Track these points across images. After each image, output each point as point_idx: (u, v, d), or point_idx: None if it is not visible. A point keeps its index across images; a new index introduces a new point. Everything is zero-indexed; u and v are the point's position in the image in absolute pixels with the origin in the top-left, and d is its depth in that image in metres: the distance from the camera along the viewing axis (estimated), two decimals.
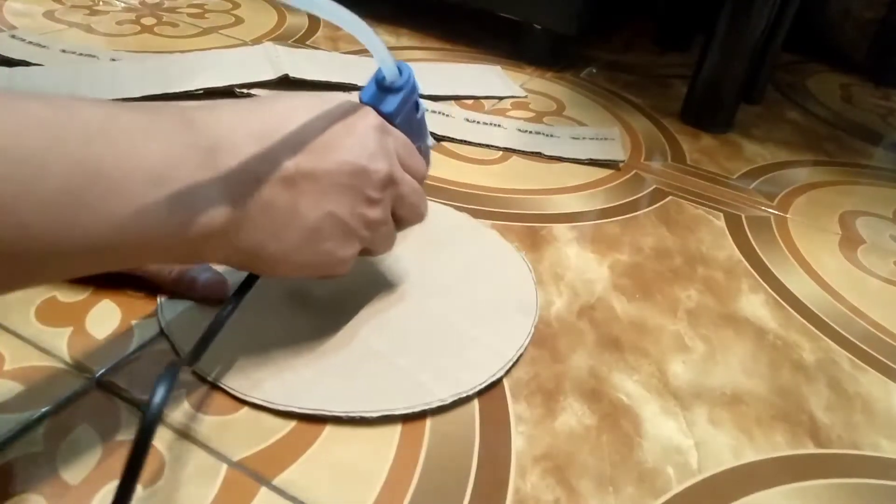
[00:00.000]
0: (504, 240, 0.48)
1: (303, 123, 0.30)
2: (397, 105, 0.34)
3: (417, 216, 0.37)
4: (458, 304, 0.41)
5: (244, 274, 0.33)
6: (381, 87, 0.34)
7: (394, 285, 0.41)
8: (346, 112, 0.32)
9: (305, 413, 0.32)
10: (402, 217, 0.35)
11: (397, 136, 0.34)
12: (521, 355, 0.38)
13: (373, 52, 0.31)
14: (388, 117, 0.34)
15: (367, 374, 0.35)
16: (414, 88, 0.35)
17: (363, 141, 0.31)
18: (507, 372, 0.37)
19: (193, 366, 0.32)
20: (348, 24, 0.28)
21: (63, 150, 0.22)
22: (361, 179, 0.31)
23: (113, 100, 0.25)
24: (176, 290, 0.38)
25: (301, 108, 0.31)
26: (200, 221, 0.26)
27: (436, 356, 0.37)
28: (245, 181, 0.28)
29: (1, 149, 0.20)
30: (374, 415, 0.33)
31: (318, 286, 0.40)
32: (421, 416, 0.34)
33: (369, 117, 0.33)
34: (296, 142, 0.29)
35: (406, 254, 0.44)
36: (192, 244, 0.26)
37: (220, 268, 0.39)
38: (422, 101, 0.37)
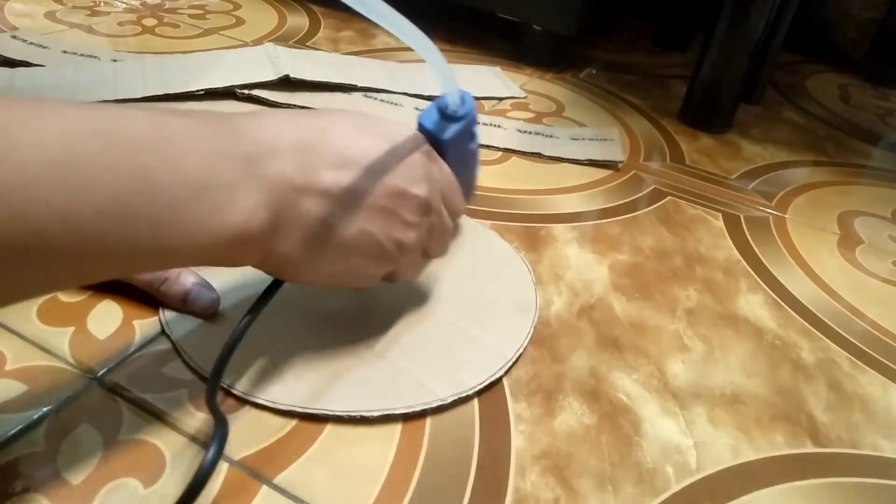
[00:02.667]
0: (503, 240, 0.48)
1: (347, 139, 0.30)
2: (454, 134, 0.33)
3: (441, 251, 0.37)
4: (458, 304, 0.41)
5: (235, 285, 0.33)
6: (443, 115, 0.33)
7: (394, 286, 0.41)
8: (395, 134, 0.32)
9: (306, 413, 0.32)
10: (429, 249, 0.35)
11: (444, 170, 0.34)
12: (520, 355, 0.38)
13: (440, 78, 0.31)
14: (444, 146, 0.33)
15: (368, 374, 0.35)
16: (474, 119, 0.34)
17: (407, 165, 0.31)
18: (507, 372, 0.37)
19: (219, 383, 0.32)
20: (420, 46, 0.28)
21: (113, 157, 0.23)
22: (400, 202, 0.31)
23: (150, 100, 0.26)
24: (160, 296, 0.37)
25: (347, 124, 0.31)
26: (238, 228, 0.26)
27: (435, 356, 0.37)
28: (283, 190, 0.28)
29: (58, 157, 0.21)
30: (375, 414, 0.33)
31: (320, 287, 0.40)
32: (421, 415, 0.34)
33: (418, 143, 0.32)
34: (337, 156, 0.29)
35: None
36: (227, 248, 0.27)
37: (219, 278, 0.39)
38: (477, 132, 0.36)
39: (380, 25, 0.27)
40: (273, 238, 0.28)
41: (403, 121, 0.33)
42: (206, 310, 0.36)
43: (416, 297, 0.41)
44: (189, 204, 0.25)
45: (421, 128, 0.33)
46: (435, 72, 0.30)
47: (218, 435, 0.28)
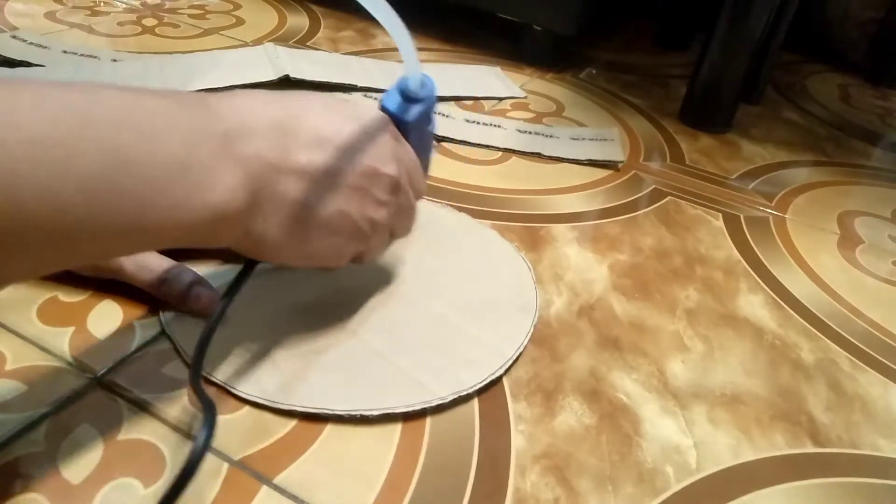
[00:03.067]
0: (504, 239, 0.48)
1: (319, 119, 0.31)
2: (416, 116, 0.34)
3: (406, 230, 0.38)
4: (458, 303, 0.41)
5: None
6: (405, 96, 0.34)
7: (394, 285, 0.42)
8: (364, 115, 0.33)
9: (306, 412, 0.32)
10: (395, 228, 0.36)
11: (407, 149, 0.35)
12: (520, 354, 0.38)
13: (405, 58, 0.31)
14: (405, 126, 0.34)
15: (368, 373, 0.35)
16: (433, 102, 0.35)
17: (377, 144, 0.32)
18: (507, 371, 0.37)
19: (202, 366, 0.32)
20: (389, 24, 0.29)
21: (94, 136, 0.23)
22: (373, 181, 0.32)
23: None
24: (160, 296, 0.37)
25: (318, 105, 0.31)
26: (218, 207, 0.27)
27: (435, 355, 0.37)
28: (260, 170, 0.28)
29: (38, 136, 0.21)
30: (375, 413, 0.33)
31: (321, 287, 0.40)
32: (421, 414, 0.34)
33: (385, 123, 0.33)
34: (312, 137, 0.30)
35: (407, 254, 0.44)
36: (207, 227, 0.27)
37: (209, 268, 0.39)
38: (434, 115, 0.37)
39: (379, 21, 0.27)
40: (250, 217, 0.29)
41: (370, 103, 0.34)
42: (206, 308, 0.37)
43: (417, 297, 0.41)
44: (170, 182, 0.25)
45: (384, 109, 0.34)
46: (402, 53, 0.31)
47: (208, 418, 0.28)
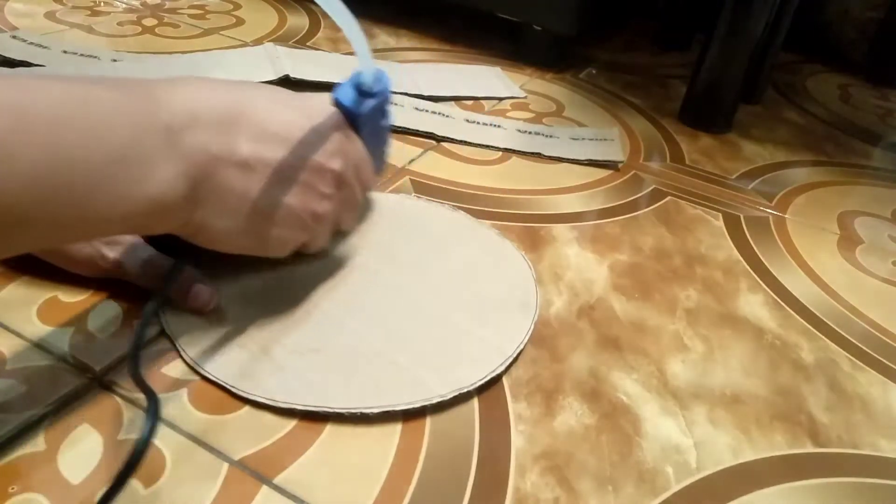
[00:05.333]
0: (504, 238, 0.48)
1: (266, 111, 0.31)
2: (369, 110, 0.35)
3: (350, 223, 0.38)
4: (458, 302, 0.41)
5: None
6: (359, 91, 0.34)
7: (394, 284, 0.42)
8: (312, 108, 0.33)
9: (307, 410, 0.32)
10: (340, 220, 0.37)
11: (356, 143, 0.35)
12: (521, 352, 0.38)
13: (358, 54, 0.32)
14: (358, 120, 0.35)
15: (368, 371, 0.35)
16: (387, 96, 0.36)
17: (323, 138, 0.32)
18: (507, 369, 0.37)
19: (140, 353, 0.32)
20: (342, 20, 0.29)
21: (35, 135, 0.23)
22: (317, 175, 0.32)
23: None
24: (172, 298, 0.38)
25: (266, 97, 0.32)
26: (157, 198, 0.27)
27: (435, 353, 0.37)
28: (202, 161, 0.29)
29: None
30: (375, 411, 0.33)
31: (323, 287, 0.40)
32: (421, 413, 0.34)
33: (334, 118, 0.34)
34: (256, 128, 0.30)
35: (406, 252, 0.44)
36: (147, 218, 0.28)
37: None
38: (389, 109, 0.38)
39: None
40: (191, 207, 0.29)
41: (321, 97, 0.34)
42: (205, 304, 0.37)
43: (416, 295, 0.41)
44: (111, 177, 0.25)
45: (337, 103, 0.35)
46: (355, 48, 0.32)
47: (151, 408, 0.29)
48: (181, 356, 0.35)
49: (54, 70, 0.62)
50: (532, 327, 0.40)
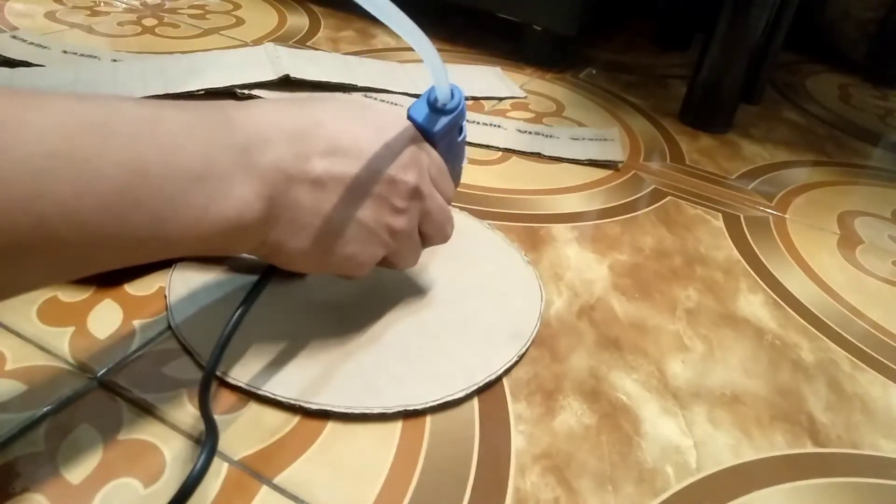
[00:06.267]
0: (529, 265, 0.46)
1: (337, 127, 0.31)
2: (443, 127, 0.34)
3: (442, 235, 0.37)
4: (450, 319, 0.40)
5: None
6: (432, 108, 0.34)
7: (395, 290, 0.41)
8: (385, 123, 0.32)
9: (306, 408, 0.32)
10: (427, 234, 0.36)
11: (432, 155, 0.34)
12: (524, 353, 0.38)
13: (431, 70, 0.31)
14: (433, 137, 0.34)
15: (368, 370, 0.35)
16: (462, 112, 0.35)
17: (395, 151, 0.32)
18: (508, 371, 0.37)
19: (216, 372, 0.32)
20: (414, 40, 0.29)
21: (112, 151, 0.23)
22: (390, 189, 0.32)
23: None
24: None
25: (338, 113, 0.31)
26: (234, 217, 0.27)
27: (434, 355, 0.37)
28: (276, 179, 0.28)
29: (58, 150, 0.22)
30: (375, 411, 0.33)
31: (327, 289, 0.40)
32: (421, 414, 0.34)
33: (406, 129, 0.33)
34: (327, 144, 0.30)
35: (431, 263, 0.44)
36: (224, 238, 0.27)
37: None
38: (466, 124, 0.37)
39: (379, 21, 0.28)
40: (267, 226, 0.29)
41: (395, 107, 0.33)
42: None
43: (410, 294, 0.41)
44: (187, 195, 0.25)
45: (411, 119, 0.34)
46: (428, 65, 0.31)
47: (208, 443, 0.28)
48: (191, 356, 0.35)
49: (54, 70, 0.62)
50: (515, 359, 0.38)
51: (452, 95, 0.34)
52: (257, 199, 0.28)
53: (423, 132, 0.34)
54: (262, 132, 0.28)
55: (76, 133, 0.22)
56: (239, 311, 0.32)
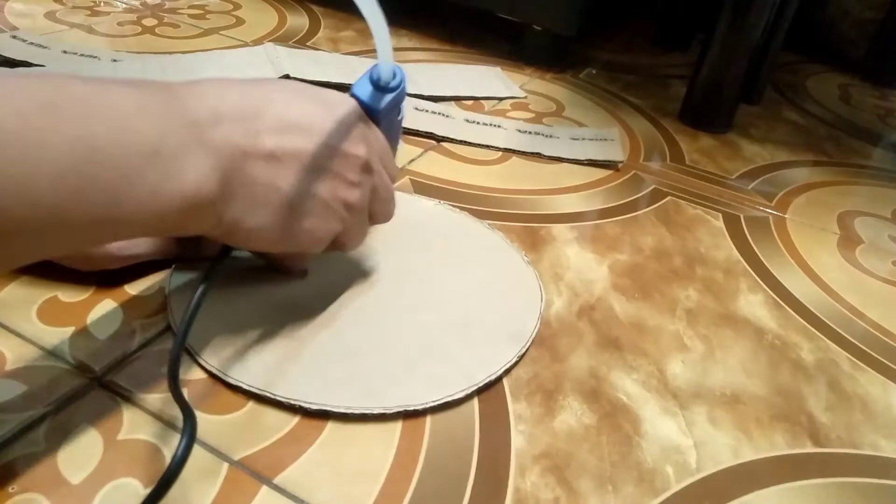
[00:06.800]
0: (529, 265, 0.46)
1: (286, 104, 0.31)
2: (385, 104, 0.35)
3: (386, 213, 0.37)
4: (447, 319, 0.40)
5: None
6: (376, 86, 0.34)
7: (393, 291, 0.41)
8: (331, 100, 0.33)
9: (306, 408, 0.32)
10: (374, 212, 0.36)
11: (377, 133, 0.35)
12: (524, 353, 0.38)
13: (379, 47, 0.32)
14: (375, 115, 0.35)
15: (368, 370, 0.35)
16: (403, 92, 0.36)
17: (345, 127, 0.32)
18: (508, 371, 0.37)
19: (184, 346, 0.32)
20: (369, 13, 0.29)
21: (63, 128, 0.23)
22: (342, 162, 0.32)
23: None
24: (181, 253, 0.38)
25: (285, 90, 0.32)
26: (190, 194, 0.27)
27: (433, 354, 0.37)
28: (230, 155, 0.28)
29: (7, 129, 0.21)
30: (375, 411, 0.33)
31: (327, 290, 0.40)
32: (421, 414, 0.34)
33: (353, 107, 0.33)
34: (279, 120, 0.30)
35: (419, 262, 0.44)
36: (180, 215, 0.27)
37: None
38: (403, 105, 0.37)
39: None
40: (222, 204, 0.29)
41: (337, 92, 0.34)
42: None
43: (410, 294, 0.41)
44: (141, 171, 0.25)
45: (355, 97, 0.34)
46: (376, 42, 0.31)
47: (187, 426, 0.28)
48: (193, 357, 0.35)
49: (54, 70, 0.62)
50: (515, 359, 0.38)
51: (395, 75, 0.34)
52: (212, 174, 0.27)
53: (367, 110, 0.34)
54: (211, 108, 0.28)
55: (25, 111, 0.22)
56: (199, 292, 0.32)
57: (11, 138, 0.21)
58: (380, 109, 0.34)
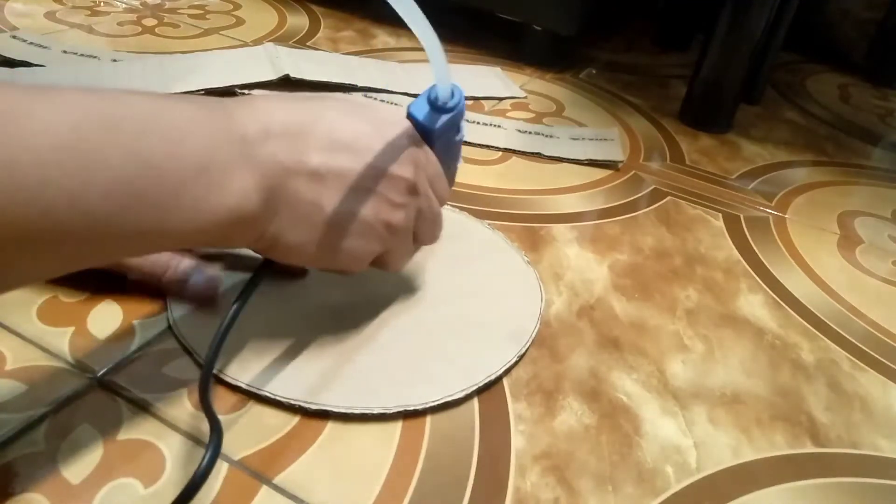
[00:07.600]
0: (529, 266, 0.46)
1: (336, 122, 0.31)
2: (441, 125, 0.34)
3: (431, 236, 0.37)
4: (447, 319, 0.40)
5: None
6: (433, 106, 0.34)
7: (390, 282, 0.41)
8: (383, 120, 0.33)
9: (306, 408, 0.32)
10: (418, 233, 0.36)
11: (429, 155, 0.35)
12: (524, 353, 0.38)
13: (435, 68, 0.32)
14: (430, 135, 0.34)
15: (368, 370, 0.35)
16: (461, 112, 0.35)
17: (393, 148, 0.32)
18: (508, 371, 0.37)
19: (214, 369, 0.32)
20: (421, 32, 0.29)
21: (119, 141, 0.23)
22: (388, 184, 0.32)
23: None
24: (167, 291, 0.38)
25: (336, 108, 0.32)
26: (234, 208, 0.27)
27: (434, 354, 0.37)
28: (275, 172, 0.29)
29: (66, 142, 0.22)
30: (375, 411, 0.33)
31: (327, 291, 0.40)
32: (421, 414, 0.34)
33: (404, 127, 0.33)
34: (328, 139, 0.30)
35: (430, 262, 0.44)
36: (223, 229, 0.27)
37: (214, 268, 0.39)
38: (464, 124, 0.37)
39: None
40: (266, 219, 0.29)
41: (394, 106, 0.33)
42: (203, 294, 0.37)
43: (410, 294, 0.41)
44: (189, 186, 0.25)
45: (410, 116, 0.34)
46: (432, 62, 0.31)
47: (213, 440, 0.28)
48: (192, 356, 0.35)
49: (54, 70, 0.62)
50: (515, 359, 0.38)
51: (453, 94, 0.34)
52: (256, 191, 0.28)
53: (423, 130, 0.34)
54: (261, 125, 0.29)
55: (84, 125, 0.23)
56: (235, 307, 0.32)
57: (68, 153, 0.22)
58: (434, 129, 0.34)
